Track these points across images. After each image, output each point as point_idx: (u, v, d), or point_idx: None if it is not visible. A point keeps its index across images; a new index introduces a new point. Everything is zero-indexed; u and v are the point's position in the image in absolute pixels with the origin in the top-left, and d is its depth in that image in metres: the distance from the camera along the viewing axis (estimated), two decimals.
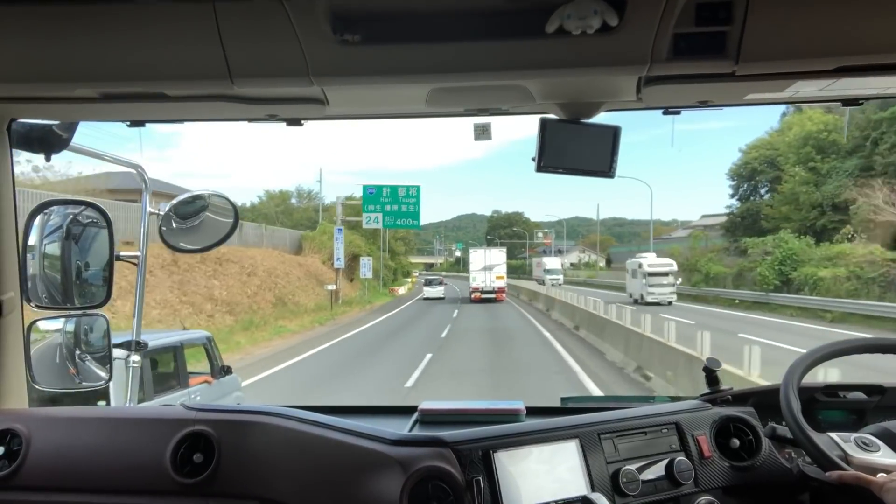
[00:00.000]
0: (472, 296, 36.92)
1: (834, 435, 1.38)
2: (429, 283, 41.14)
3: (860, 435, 1.39)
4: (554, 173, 1.38)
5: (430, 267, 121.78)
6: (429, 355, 15.41)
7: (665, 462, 1.43)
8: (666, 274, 33.85)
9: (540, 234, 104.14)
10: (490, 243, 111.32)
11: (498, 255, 38.38)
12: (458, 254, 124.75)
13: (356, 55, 1.16)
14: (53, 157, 1.67)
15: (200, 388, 6.85)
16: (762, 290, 30.99)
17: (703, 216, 66.43)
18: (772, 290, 30.64)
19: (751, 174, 45.59)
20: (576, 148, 1.36)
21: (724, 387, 1.67)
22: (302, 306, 28.22)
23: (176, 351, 6.57)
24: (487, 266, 37.40)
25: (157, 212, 1.89)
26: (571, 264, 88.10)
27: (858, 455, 1.33)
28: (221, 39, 1.15)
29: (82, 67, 1.23)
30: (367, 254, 41.71)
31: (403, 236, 69.51)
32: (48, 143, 1.64)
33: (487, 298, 36.07)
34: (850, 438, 1.38)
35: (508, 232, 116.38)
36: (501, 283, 37.55)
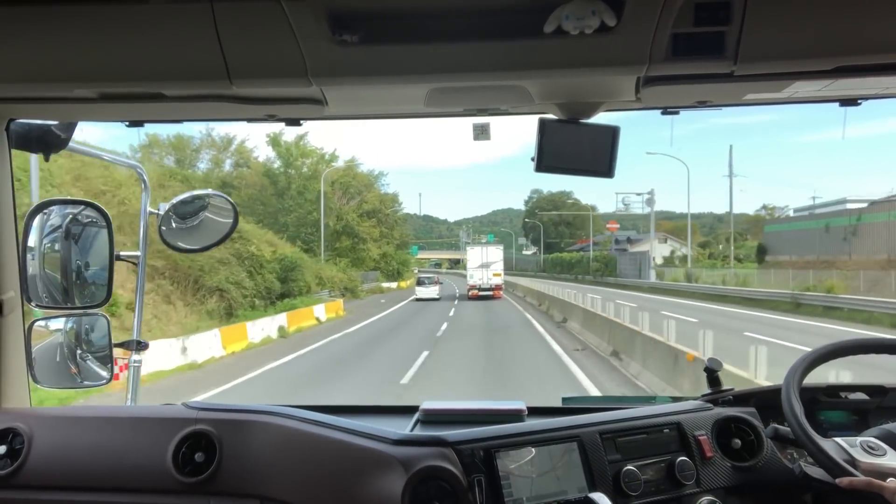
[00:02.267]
0: (470, 293, 36.94)
1: (840, 440, 1.37)
2: (421, 282, 40.06)
3: (865, 439, 1.38)
4: (553, 173, 1.38)
5: (455, 263, 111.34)
6: None
7: (666, 462, 1.43)
8: None
9: (621, 204, 66.34)
10: (528, 231, 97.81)
11: (495, 253, 38.46)
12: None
13: (354, 55, 1.16)
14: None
15: None
16: None
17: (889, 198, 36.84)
18: None
19: None
20: (575, 148, 1.36)
21: (725, 387, 1.68)
22: None
23: None
24: (485, 263, 37.43)
25: (156, 211, 1.89)
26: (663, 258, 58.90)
27: (866, 459, 1.32)
28: (220, 40, 1.15)
29: (81, 68, 1.23)
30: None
31: (377, 209, 47.02)
32: (47, 143, 1.64)
33: (485, 296, 36.03)
34: (856, 443, 1.36)
35: (554, 217, 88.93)
36: (498, 280, 37.66)
